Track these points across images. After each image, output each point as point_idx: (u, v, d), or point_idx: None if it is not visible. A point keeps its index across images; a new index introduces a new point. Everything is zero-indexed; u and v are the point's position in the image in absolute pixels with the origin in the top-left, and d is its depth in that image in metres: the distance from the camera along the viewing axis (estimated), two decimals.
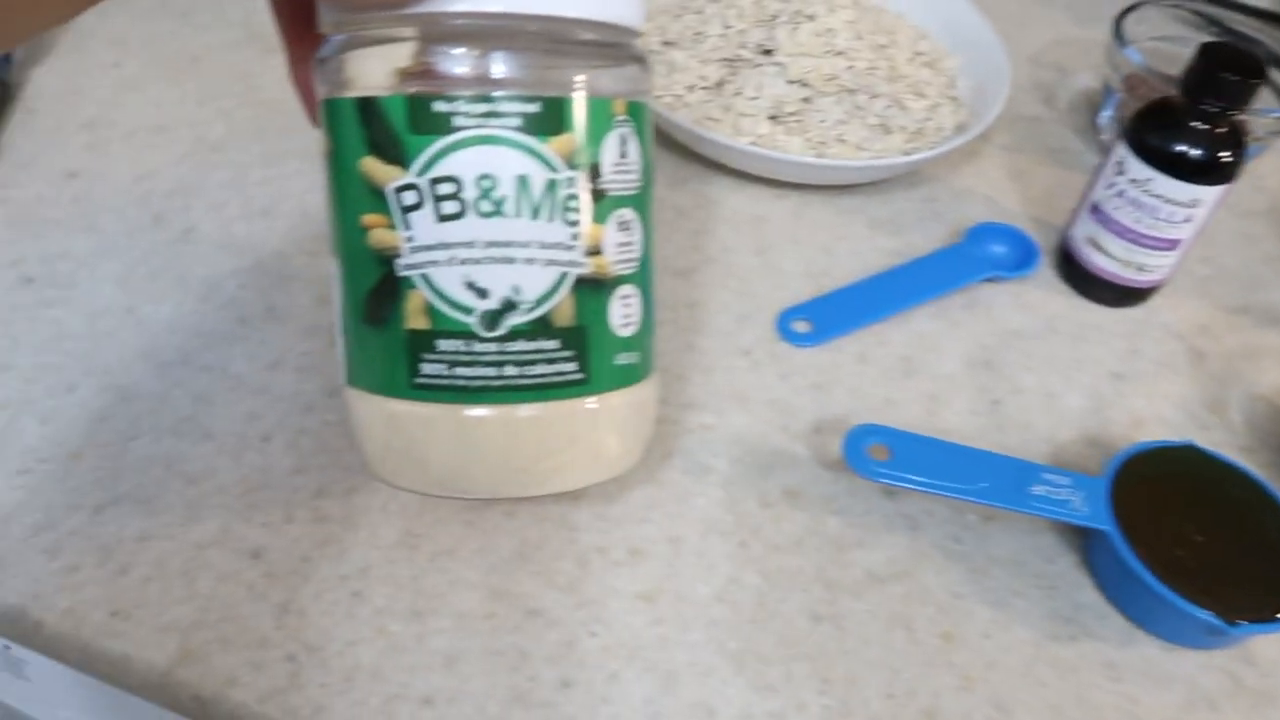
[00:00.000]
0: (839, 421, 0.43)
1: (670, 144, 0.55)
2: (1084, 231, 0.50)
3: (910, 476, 0.38)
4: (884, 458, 0.39)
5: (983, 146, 0.60)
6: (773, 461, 0.42)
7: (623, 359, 0.32)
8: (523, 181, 0.29)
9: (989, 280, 0.51)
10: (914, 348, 0.47)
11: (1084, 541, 0.40)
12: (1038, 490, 0.39)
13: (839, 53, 0.52)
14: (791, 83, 0.52)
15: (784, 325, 0.47)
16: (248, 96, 0.54)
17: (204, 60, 0.56)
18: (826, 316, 0.48)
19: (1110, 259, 0.49)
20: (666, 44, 0.55)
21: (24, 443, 0.37)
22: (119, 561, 0.34)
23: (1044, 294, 0.52)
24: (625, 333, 0.32)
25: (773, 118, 0.52)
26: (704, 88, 0.54)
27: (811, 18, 0.52)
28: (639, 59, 0.32)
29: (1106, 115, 0.61)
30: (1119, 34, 0.57)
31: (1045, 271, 0.53)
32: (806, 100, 0.52)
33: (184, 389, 0.40)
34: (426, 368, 0.30)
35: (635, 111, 0.31)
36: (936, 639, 0.37)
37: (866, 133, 0.52)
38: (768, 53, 0.53)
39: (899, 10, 0.61)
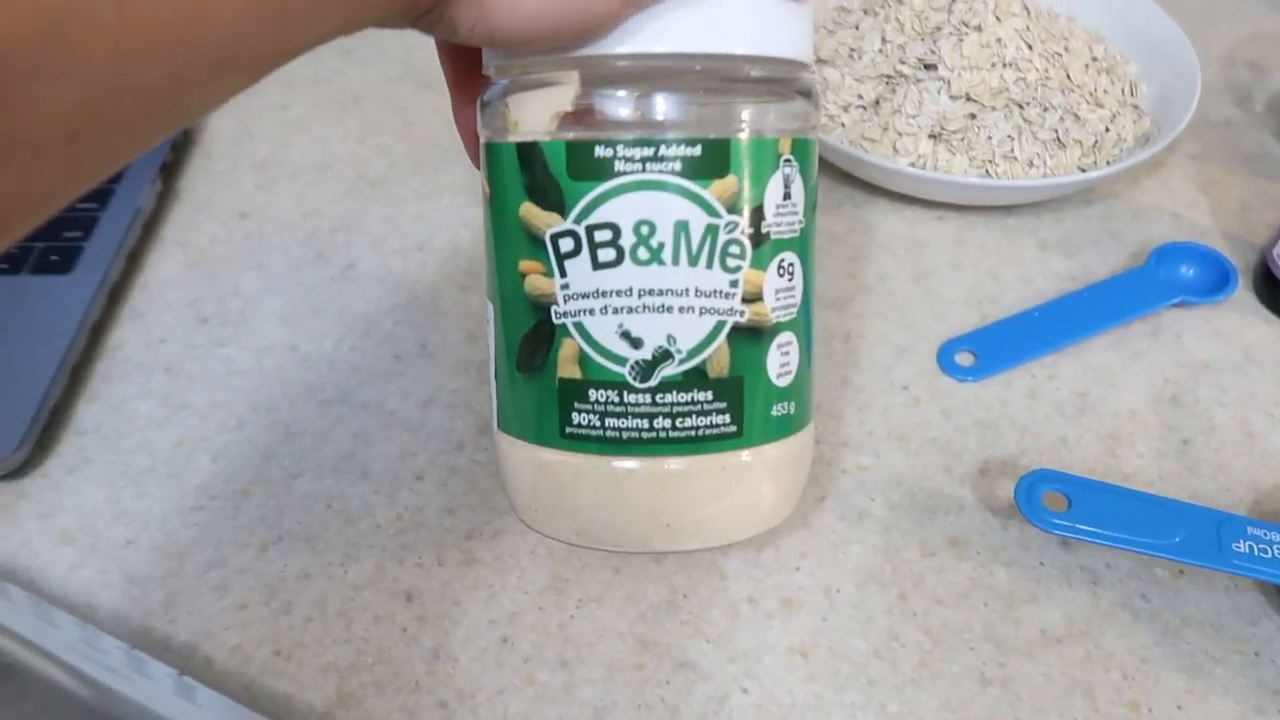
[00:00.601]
0: (1007, 463, 0.41)
1: (823, 166, 0.53)
2: None
3: (1092, 529, 0.35)
4: (1062, 508, 0.36)
5: (1167, 157, 0.55)
6: (935, 506, 0.39)
7: (779, 409, 0.31)
8: (682, 227, 0.28)
9: (1175, 306, 0.47)
10: (1090, 382, 0.44)
11: None
12: (1241, 547, 0.35)
13: (1008, 64, 0.49)
14: (955, 98, 0.49)
15: (946, 358, 0.44)
16: (405, 132, 0.56)
17: (365, 97, 0.58)
18: (992, 348, 0.45)
19: None
20: (820, 62, 0.54)
21: (198, 480, 0.39)
22: (282, 600, 0.35)
23: (1240, 320, 0.47)
24: (782, 383, 0.31)
25: (934, 136, 0.49)
26: (860, 106, 0.52)
27: (979, 28, 0.49)
28: (807, 93, 0.30)
29: None
30: None
31: (1242, 294, 0.48)
32: (972, 116, 0.49)
33: (344, 426, 0.41)
34: (577, 417, 0.29)
35: (801, 150, 0.30)
36: (1122, 709, 0.33)
37: (1038, 148, 0.49)
38: (930, 67, 0.50)
39: (1070, 13, 0.57)
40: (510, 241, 0.30)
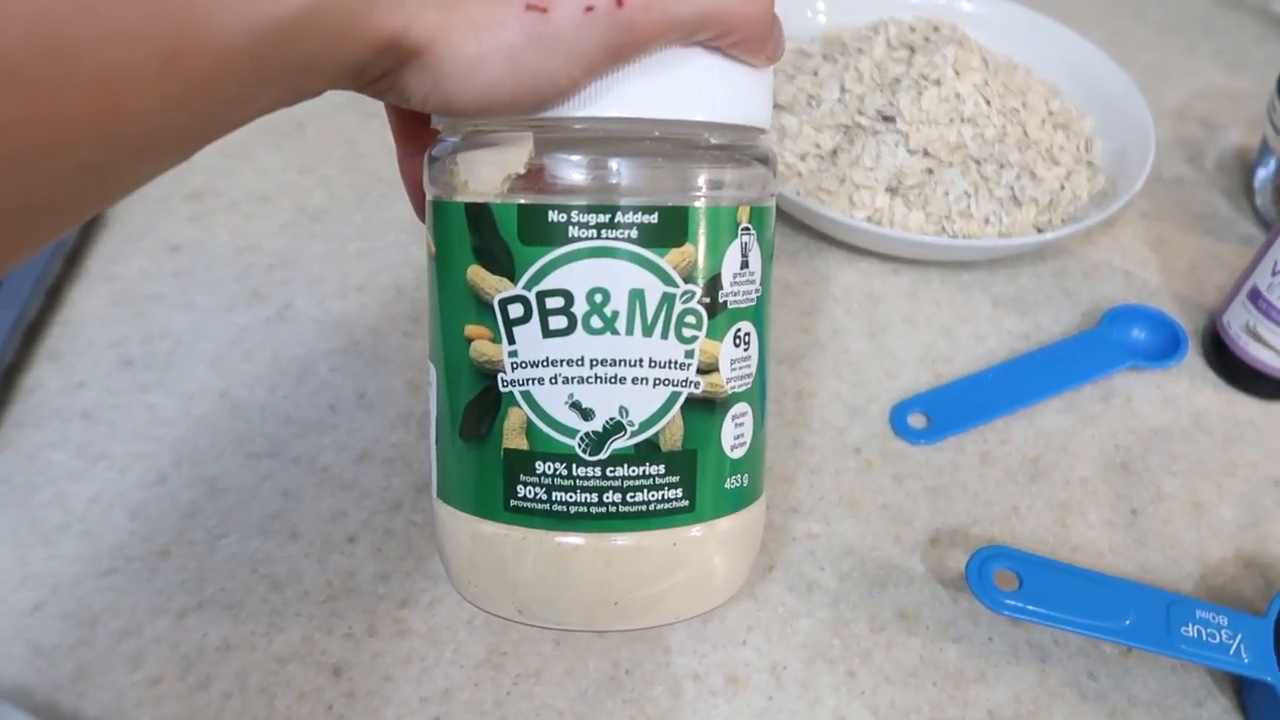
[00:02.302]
0: (958, 533, 0.40)
1: (779, 215, 0.52)
2: (1240, 319, 0.45)
3: (1043, 610, 0.35)
4: (1013, 586, 0.35)
5: (1120, 213, 0.55)
6: (885, 577, 0.38)
7: (732, 482, 0.30)
8: (637, 296, 0.27)
9: (1127, 369, 0.47)
10: (1042, 447, 0.44)
11: (1240, 684, 0.36)
12: (1189, 631, 0.34)
13: (966, 119, 0.49)
14: (913, 152, 0.49)
15: (899, 419, 0.44)
16: (349, 164, 0.54)
17: (308, 125, 0.56)
18: (945, 410, 0.44)
19: (1273, 352, 0.44)
20: (778, 107, 0.53)
21: (114, 539, 0.37)
22: (200, 673, 0.33)
23: (1190, 386, 0.47)
24: (736, 455, 0.29)
25: (891, 190, 0.49)
26: (817, 156, 0.51)
27: (938, 82, 0.49)
28: (764, 159, 0.29)
29: (1263, 176, 0.56)
30: None
31: (1192, 359, 0.48)
32: (929, 171, 0.49)
33: (273, 482, 0.39)
34: (523, 490, 0.28)
35: (759, 218, 0.29)
36: None
37: (994, 206, 0.49)
38: (888, 120, 0.49)
39: (1028, 64, 0.57)
40: (456, 304, 0.28)
